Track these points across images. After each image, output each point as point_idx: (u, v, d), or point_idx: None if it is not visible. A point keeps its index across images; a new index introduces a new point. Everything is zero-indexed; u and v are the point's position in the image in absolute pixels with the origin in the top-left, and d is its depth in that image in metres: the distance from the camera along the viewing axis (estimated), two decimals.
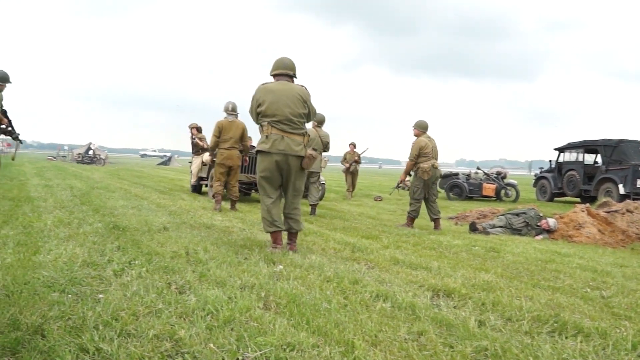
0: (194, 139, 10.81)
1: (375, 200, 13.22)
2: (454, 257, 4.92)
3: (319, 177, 8.54)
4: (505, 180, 15.33)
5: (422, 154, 7.45)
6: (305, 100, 4.54)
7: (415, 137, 7.60)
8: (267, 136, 4.45)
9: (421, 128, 7.62)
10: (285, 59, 4.65)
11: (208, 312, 2.63)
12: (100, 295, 2.81)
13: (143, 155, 75.64)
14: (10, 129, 6.44)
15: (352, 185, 13.63)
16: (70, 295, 2.78)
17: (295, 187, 4.61)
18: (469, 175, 15.69)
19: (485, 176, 15.59)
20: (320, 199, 11.81)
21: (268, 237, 5.24)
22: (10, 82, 6.16)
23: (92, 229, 4.99)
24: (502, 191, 14.92)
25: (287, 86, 4.52)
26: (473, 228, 7.31)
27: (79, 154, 32.86)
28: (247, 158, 8.52)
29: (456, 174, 15.81)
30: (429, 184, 7.60)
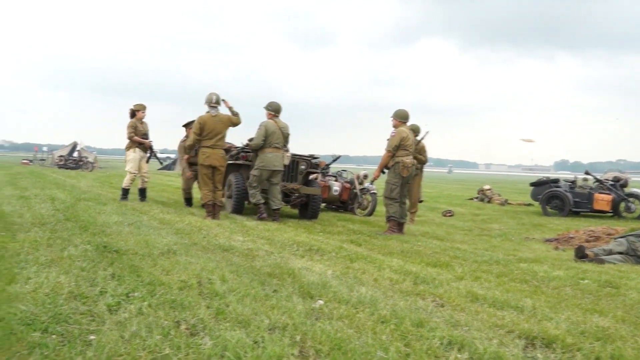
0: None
1: (445, 216, 13.07)
2: (554, 294, 4.82)
3: (281, 177, 9.47)
4: (627, 190, 14.80)
5: (402, 147, 8.53)
6: None
7: (394, 128, 8.69)
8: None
9: (400, 118, 8.80)
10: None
11: (227, 359, 2.67)
12: (92, 337, 2.91)
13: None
14: None
15: (413, 198, 10.69)
16: (54, 336, 2.90)
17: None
18: (573, 182, 15.26)
19: (597, 183, 15.12)
20: (370, 214, 11.83)
21: (303, 262, 5.31)
22: None
23: (79, 251, 5.18)
24: (622, 204, 14.41)
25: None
26: (581, 254, 7.10)
27: (61, 156, 34.12)
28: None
29: (556, 181, 15.40)
30: (405, 183, 8.70)
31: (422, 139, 10.37)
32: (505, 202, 18.26)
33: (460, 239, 8.74)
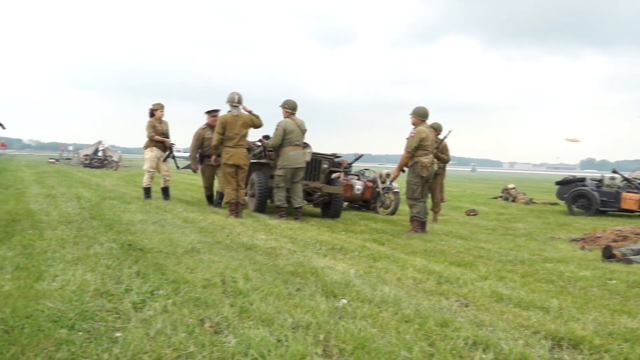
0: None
1: (468, 215, 12.97)
2: (581, 294, 4.76)
3: (303, 174, 9.49)
4: None
5: (421, 147, 8.53)
6: None
7: (413, 126, 8.67)
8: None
9: (420, 116, 8.73)
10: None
11: (252, 358, 2.70)
12: (118, 334, 2.96)
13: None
14: None
15: (435, 197, 10.64)
16: (81, 333, 2.95)
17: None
18: (600, 181, 15.06)
19: (624, 182, 14.88)
20: (393, 213, 11.80)
21: (326, 261, 5.32)
22: None
23: (105, 249, 5.26)
24: None
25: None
26: (608, 254, 7.01)
27: (87, 155, 34.64)
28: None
29: (582, 180, 15.20)
30: (426, 182, 8.78)
31: (444, 138, 10.30)
32: (530, 201, 18.05)
33: (484, 239, 8.67)
